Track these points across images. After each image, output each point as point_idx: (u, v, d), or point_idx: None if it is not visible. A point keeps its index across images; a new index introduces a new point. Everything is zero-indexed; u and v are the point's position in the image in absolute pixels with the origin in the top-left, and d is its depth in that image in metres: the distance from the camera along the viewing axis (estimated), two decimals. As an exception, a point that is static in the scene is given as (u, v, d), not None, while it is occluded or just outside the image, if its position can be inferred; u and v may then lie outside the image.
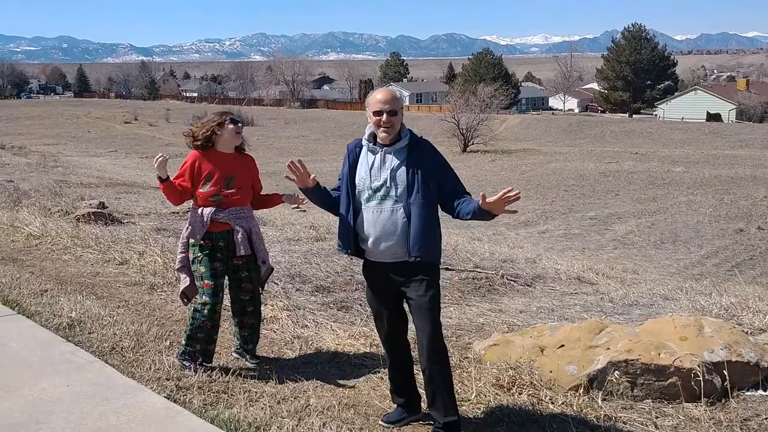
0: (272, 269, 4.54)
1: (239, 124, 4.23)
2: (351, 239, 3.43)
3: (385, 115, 3.28)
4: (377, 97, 3.32)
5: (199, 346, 4.14)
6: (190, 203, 4.28)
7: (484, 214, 3.22)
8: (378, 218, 3.34)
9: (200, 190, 4.11)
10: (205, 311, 4.08)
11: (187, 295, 4.27)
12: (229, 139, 4.15)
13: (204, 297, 4.10)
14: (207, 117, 4.32)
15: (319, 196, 3.55)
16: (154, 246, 7.31)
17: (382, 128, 3.31)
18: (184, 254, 4.22)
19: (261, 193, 4.42)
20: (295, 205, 4.44)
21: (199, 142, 4.14)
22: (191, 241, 4.15)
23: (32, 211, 9.47)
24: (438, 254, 3.40)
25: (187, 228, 4.16)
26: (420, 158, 3.33)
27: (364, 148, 3.43)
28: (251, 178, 4.29)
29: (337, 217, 3.52)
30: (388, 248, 3.34)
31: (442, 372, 3.32)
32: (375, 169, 3.37)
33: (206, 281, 4.09)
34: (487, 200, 3.17)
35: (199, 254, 4.12)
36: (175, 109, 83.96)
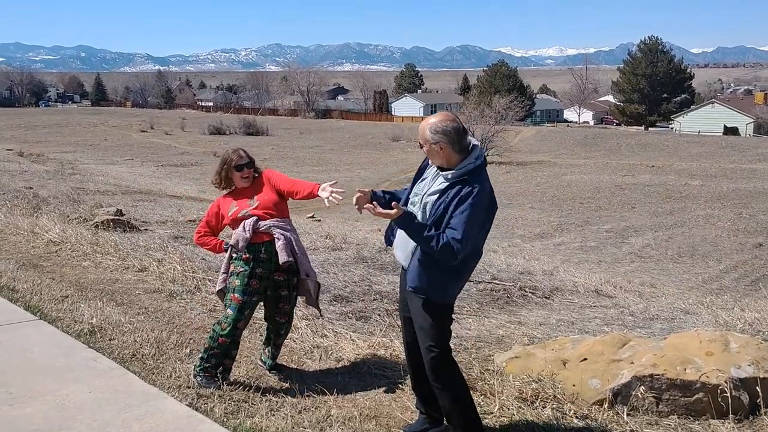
0: (320, 285, 4.39)
1: (244, 169, 4.13)
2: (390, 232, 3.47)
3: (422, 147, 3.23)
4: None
5: (215, 360, 4.01)
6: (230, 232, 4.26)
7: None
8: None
9: (228, 216, 4.13)
10: (226, 324, 3.95)
11: None
12: (240, 182, 4.16)
13: (228, 310, 4.01)
14: (218, 162, 4.23)
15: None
16: (173, 253, 7.34)
17: None
18: (225, 275, 4.17)
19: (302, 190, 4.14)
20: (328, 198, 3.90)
21: (224, 190, 4.23)
22: (234, 256, 4.09)
23: (51, 218, 9.54)
24: (436, 295, 3.19)
25: (232, 241, 4.08)
26: (453, 198, 3.10)
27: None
28: (274, 192, 4.16)
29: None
30: (399, 258, 3.35)
31: (444, 392, 3.26)
32: (425, 183, 3.29)
33: (236, 295, 3.98)
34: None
35: (240, 268, 4.03)
36: (190, 118, 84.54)
